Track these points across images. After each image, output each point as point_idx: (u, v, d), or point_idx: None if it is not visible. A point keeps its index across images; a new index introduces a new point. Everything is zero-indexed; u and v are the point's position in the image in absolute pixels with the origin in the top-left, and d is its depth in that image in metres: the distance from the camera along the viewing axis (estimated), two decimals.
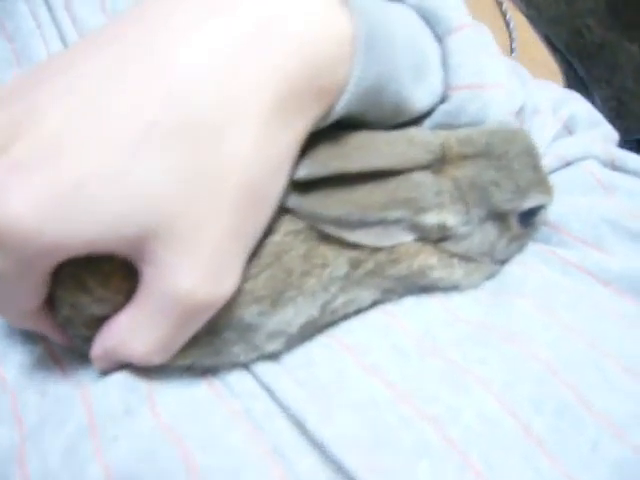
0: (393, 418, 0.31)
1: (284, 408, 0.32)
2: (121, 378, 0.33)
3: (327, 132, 0.35)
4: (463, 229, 0.39)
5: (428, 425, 0.30)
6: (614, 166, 0.47)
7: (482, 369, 0.34)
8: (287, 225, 0.34)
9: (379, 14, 0.33)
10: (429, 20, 0.40)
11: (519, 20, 1.25)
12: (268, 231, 0.33)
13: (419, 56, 0.37)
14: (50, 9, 0.51)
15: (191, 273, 0.27)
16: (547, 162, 0.46)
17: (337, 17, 0.30)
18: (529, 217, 0.41)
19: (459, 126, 0.40)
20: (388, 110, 0.37)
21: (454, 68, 0.39)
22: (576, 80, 1.33)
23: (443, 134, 0.40)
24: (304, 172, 0.33)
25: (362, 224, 0.35)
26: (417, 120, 0.40)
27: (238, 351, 0.34)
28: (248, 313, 0.33)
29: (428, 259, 0.39)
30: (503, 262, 0.43)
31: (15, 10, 0.51)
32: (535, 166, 0.41)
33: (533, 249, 0.43)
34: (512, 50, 1.22)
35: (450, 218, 0.38)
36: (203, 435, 0.30)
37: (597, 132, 0.50)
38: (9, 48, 0.50)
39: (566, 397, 0.32)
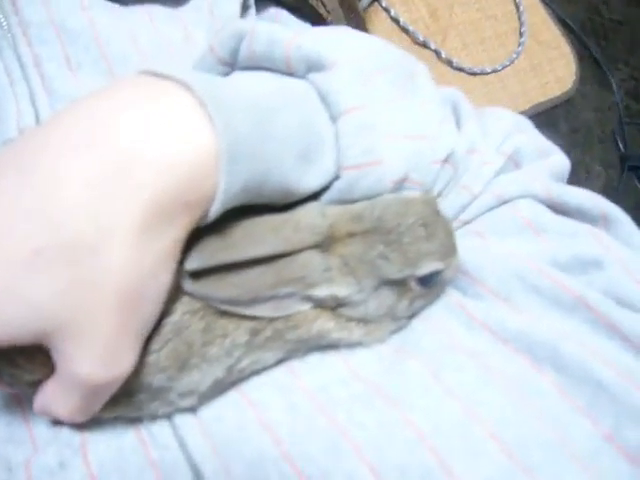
0: (276, 476, 0.35)
1: (189, 460, 0.36)
2: (56, 433, 0.38)
3: (216, 222, 0.37)
4: (357, 296, 0.41)
5: None
6: (553, 203, 0.48)
7: (360, 434, 0.36)
8: (184, 306, 0.37)
9: (250, 117, 0.34)
10: (324, 101, 0.41)
11: (530, 2, 1.23)
12: (166, 312, 0.36)
13: (310, 140, 0.39)
14: (22, 66, 0.53)
15: (86, 361, 0.31)
16: (484, 200, 0.48)
17: (198, 136, 0.32)
18: (430, 280, 0.42)
19: (355, 200, 0.42)
20: (274, 197, 0.39)
21: (343, 150, 0.40)
22: (591, 61, 1.30)
23: (334, 212, 0.41)
24: (193, 264, 0.36)
25: (255, 302, 0.38)
26: (315, 195, 0.42)
27: (155, 407, 0.39)
28: (156, 380, 0.37)
29: (325, 324, 0.41)
30: (411, 317, 0.45)
31: None
32: (430, 235, 0.42)
33: (446, 300, 0.45)
34: (521, 34, 1.20)
35: (341, 290, 0.40)
36: None
37: (543, 165, 0.51)
38: None
39: (430, 463, 0.34)
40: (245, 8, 0.63)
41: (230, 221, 0.37)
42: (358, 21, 0.95)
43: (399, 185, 0.43)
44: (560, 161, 0.52)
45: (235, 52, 0.44)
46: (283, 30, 0.43)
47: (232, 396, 0.39)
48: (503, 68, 1.12)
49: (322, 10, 0.68)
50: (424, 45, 1.09)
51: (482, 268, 0.44)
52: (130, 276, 0.31)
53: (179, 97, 0.32)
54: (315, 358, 0.41)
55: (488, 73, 1.11)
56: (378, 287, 0.41)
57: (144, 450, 0.37)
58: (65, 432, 0.38)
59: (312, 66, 0.41)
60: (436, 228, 0.42)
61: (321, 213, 0.41)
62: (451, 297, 0.44)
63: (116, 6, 0.58)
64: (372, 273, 0.41)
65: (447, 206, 0.48)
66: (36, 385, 0.37)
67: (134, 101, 0.32)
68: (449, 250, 0.43)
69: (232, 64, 0.45)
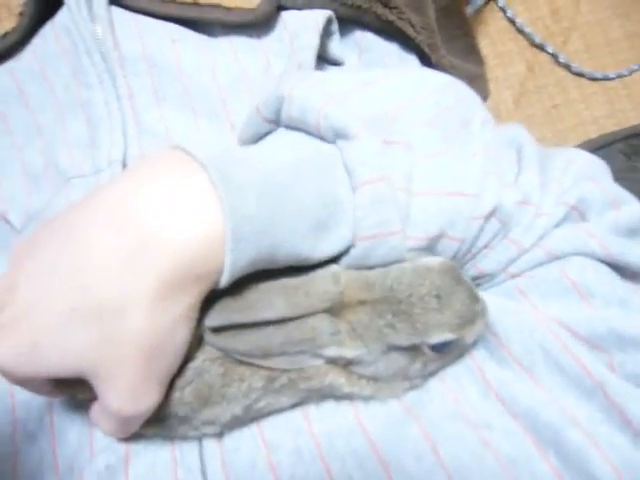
0: None
1: None
2: (109, 442, 0.45)
3: (237, 281, 0.40)
4: (367, 357, 0.42)
5: None
6: (613, 261, 0.46)
7: None
8: (205, 354, 0.42)
9: (261, 196, 0.37)
10: (347, 171, 0.43)
11: None
12: (189, 358, 0.41)
13: (329, 210, 0.41)
14: (118, 98, 0.58)
15: (116, 399, 0.38)
16: (534, 255, 0.47)
17: (208, 217, 0.36)
18: (443, 347, 0.42)
19: (371, 266, 0.43)
20: (288, 263, 0.41)
21: (358, 220, 0.41)
22: None
23: (348, 278, 0.43)
24: (213, 322, 0.40)
25: (268, 356, 0.41)
26: (335, 258, 0.43)
27: (184, 430, 0.44)
28: (181, 410, 0.43)
29: (337, 379, 0.43)
30: (426, 376, 0.45)
31: (91, 99, 0.59)
32: (444, 306, 0.42)
33: (467, 362, 0.45)
34: None
35: (349, 352, 0.42)
36: None
37: (610, 217, 0.48)
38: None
39: None
40: (329, 34, 0.64)
41: (248, 282, 0.41)
42: (461, 24, 0.93)
43: (433, 242, 0.44)
44: (634, 212, 0.49)
45: (278, 112, 0.48)
46: (317, 96, 0.45)
47: (251, 430, 0.44)
48: (630, 73, 1.02)
49: (410, 31, 0.68)
50: (541, 48, 1.03)
51: (510, 332, 0.44)
52: (149, 335, 0.36)
53: (196, 178, 0.37)
54: (329, 406, 0.44)
55: (612, 79, 1.01)
56: (388, 351, 0.42)
57: (173, 468, 0.43)
58: (114, 442, 0.45)
59: (339, 134, 0.43)
60: (451, 299, 0.42)
61: (335, 279, 0.43)
62: (474, 359, 0.45)
63: (203, 37, 0.63)
64: (380, 340, 0.42)
65: (493, 259, 0.48)
66: (90, 401, 0.44)
67: (157, 185, 0.38)
68: (465, 321, 0.43)
69: (276, 122, 0.49)
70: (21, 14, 0.61)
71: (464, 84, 0.56)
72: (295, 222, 0.39)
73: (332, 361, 0.43)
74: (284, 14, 0.65)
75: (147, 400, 0.39)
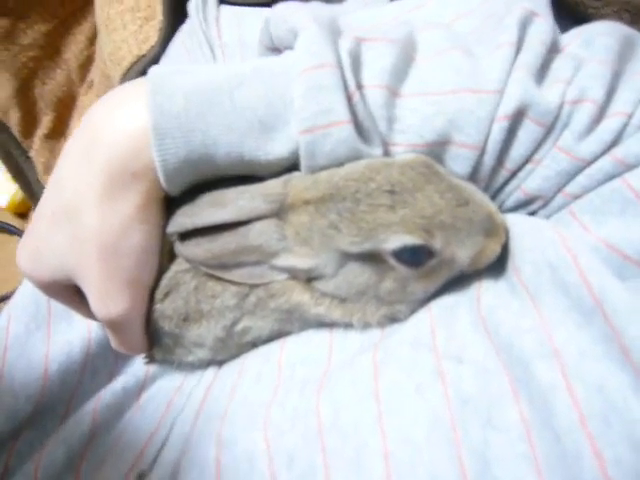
0: (202, 436, 0.40)
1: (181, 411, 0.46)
2: (128, 367, 0.52)
3: (201, 190, 0.42)
4: (325, 270, 0.40)
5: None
6: None
7: (276, 414, 0.37)
8: (177, 265, 0.44)
9: (190, 98, 0.39)
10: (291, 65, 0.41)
11: None
12: (164, 270, 0.44)
13: (271, 109, 0.39)
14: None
15: (92, 301, 0.42)
16: (598, 167, 0.39)
17: (138, 118, 0.39)
18: (411, 257, 0.37)
19: (323, 166, 0.40)
20: (237, 168, 0.41)
21: (296, 113, 0.39)
22: None
23: (299, 180, 0.40)
24: (169, 228, 0.42)
25: (226, 267, 0.41)
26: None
27: (180, 353, 0.46)
28: (167, 325, 0.44)
29: (300, 296, 0.42)
30: (415, 303, 0.41)
31: None
32: (399, 203, 0.36)
33: (470, 293, 0.40)
34: None
35: (301, 261, 0.40)
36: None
37: None
38: None
39: (315, 462, 0.33)
40: None
41: (204, 192, 0.42)
42: None
43: (435, 150, 0.40)
44: None
45: (269, 36, 0.48)
46: (292, 12, 0.44)
47: (237, 361, 0.46)
48: None
49: None
50: None
51: (525, 252, 0.39)
52: (103, 233, 0.40)
53: (139, 89, 0.40)
54: (307, 334, 0.43)
55: None
56: (344, 261, 0.39)
57: (173, 395, 0.47)
58: (135, 366, 0.51)
59: (295, 35, 0.42)
60: (413, 196, 0.37)
61: (285, 182, 0.40)
62: (479, 287, 0.40)
63: None
64: (326, 245, 0.38)
65: (539, 175, 0.41)
66: None
67: (112, 98, 0.42)
68: (435, 224, 0.37)
69: (275, 48, 0.48)
70: (160, 29, 0.76)
71: None
72: (229, 119, 0.39)
73: (293, 275, 0.41)
74: None
75: (117, 302, 0.41)
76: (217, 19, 0.70)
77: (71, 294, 0.45)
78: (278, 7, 0.46)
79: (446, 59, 0.42)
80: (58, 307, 0.51)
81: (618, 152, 0.39)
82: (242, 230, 0.40)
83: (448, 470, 0.30)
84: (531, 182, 0.42)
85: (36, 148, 1.05)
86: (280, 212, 0.40)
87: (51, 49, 1.02)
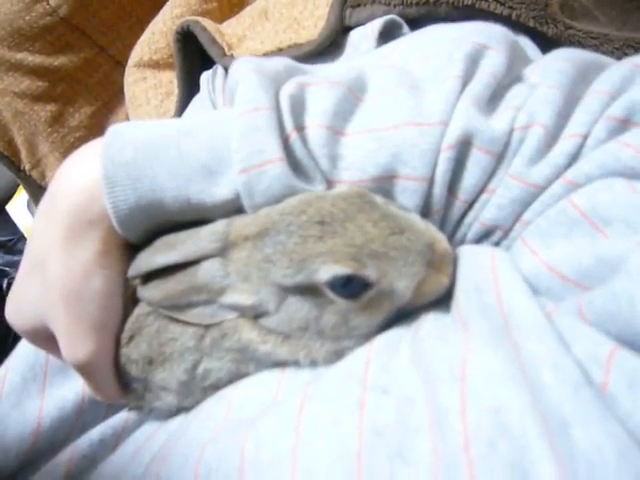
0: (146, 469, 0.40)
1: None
2: (107, 417, 0.52)
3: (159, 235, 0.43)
4: (268, 306, 0.40)
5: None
6: None
7: (213, 452, 0.36)
8: (140, 309, 0.44)
9: (139, 149, 0.41)
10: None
11: None
12: (128, 314, 0.45)
13: (216, 154, 0.41)
14: None
15: (62, 346, 0.43)
16: (552, 192, 0.38)
17: (91, 170, 0.41)
18: (346, 288, 0.37)
19: (262, 205, 0.41)
20: (186, 212, 0.42)
21: (232, 155, 0.40)
22: None
23: (242, 219, 0.41)
24: (129, 272, 0.43)
25: (179, 308, 0.41)
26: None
27: (150, 399, 0.46)
28: (133, 370, 0.45)
29: (249, 333, 0.41)
30: (359, 337, 0.40)
31: None
32: (328, 233, 0.37)
33: (410, 324, 0.39)
34: None
35: (242, 298, 0.40)
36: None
37: None
38: None
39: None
40: (398, 27, 0.64)
41: (160, 237, 0.43)
42: None
43: (380, 184, 0.41)
44: None
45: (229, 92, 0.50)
46: (237, 63, 0.48)
47: (197, 408, 0.45)
48: None
49: (497, 7, 0.60)
50: None
51: (460, 280, 0.38)
52: (65, 280, 0.41)
53: (99, 146, 0.42)
54: (261, 374, 0.43)
55: None
56: (284, 296, 0.39)
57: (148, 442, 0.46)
58: (114, 417, 0.51)
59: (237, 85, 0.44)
60: (344, 226, 0.37)
61: (228, 222, 0.41)
62: (423, 318, 0.39)
63: None
64: (264, 279, 0.39)
65: (494, 205, 0.41)
66: None
67: (75, 157, 0.45)
68: (367, 253, 0.36)
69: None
70: (177, 102, 0.84)
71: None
72: (175, 166, 0.41)
73: (241, 313, 0.41)
74: (352, 33, 0.68)
75: (84, 346, 0.42)
76: (223, 88, 0.74)
77: (51, 341, 0.46)
78: (234, 63, 0.49)
79: (391, 96, 0.43)
80: (55, 360, 0.52)
81: (569, 174, 0.38)
82: (191, 270, 0.41)
83: None
84: (487, 212, 0.41)
85: None
86: (223, 250, 0.40)
87: (97, 128, 1.12)
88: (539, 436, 0.25)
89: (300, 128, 0.42)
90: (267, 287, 0.39)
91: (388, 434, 0.30)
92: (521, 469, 0.25)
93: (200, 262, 0.41)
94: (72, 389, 0.52)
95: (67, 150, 1.10)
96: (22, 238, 1.38)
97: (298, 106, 0.43)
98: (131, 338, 0.45)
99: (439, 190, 0.41)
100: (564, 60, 0.42)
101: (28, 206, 1.35)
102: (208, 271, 0.40)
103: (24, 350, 0.55)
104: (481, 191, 0.41)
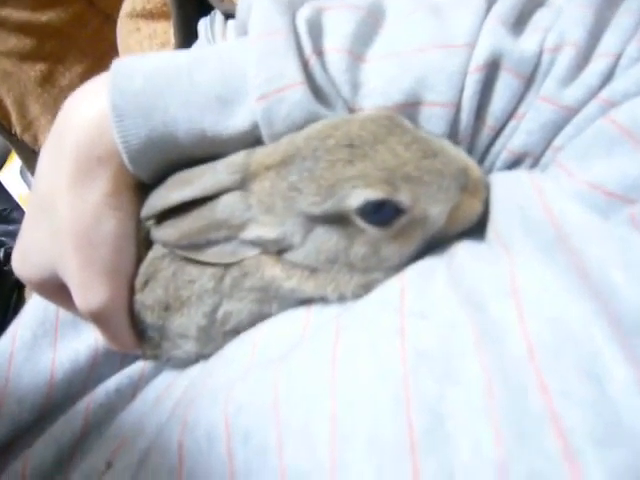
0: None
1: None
2: (123, 366, 0.50)
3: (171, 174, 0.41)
4: (293, 239, 0.38)
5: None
6: None
7: (242, 389, 0.34)
8: (154, 252, 0.42)
9: (148, 79, 0.38)
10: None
11: None
12: (141, 259, 0.42)
13: (229, 84, 0.39)
14: None
15: (74, 294, 0.41)
16: (587, 113, 0.36)
17: (99, 102, 0.39)
18: (377, 214, 0.35)
19: (282, 134, 0.38)
20: (200, 145, 0.40)
21: (249, 81, 0.38)
22: None
23: (262, 149, 0.39)
24: (142, 213, 0.41)
25: (198, 247, 0.39)
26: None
27: (167, 347, 0.44)
28: (149, 317, 0.43)
29: (272, 269, 0.39)
30: (389, 269, 0.38)
31: None
32: (358, 157, 0.34)
33: (449, 251, 0.37)
34: None
35: (265, 231, 0.38)
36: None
37: None
38: None
39: (269, 434, 0.31)
40: None
41: (174, 174, 0.41)
42: None
43: (405, 111, 0.39)
44: None
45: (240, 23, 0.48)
46: None
47: (218, 353, 0.43)
48: None
49: None
50: None
51: (498, 202, 0.36)
52: (74, 222, 0.39)
53: (105, 77, 0.40)
54: (285, 314, 0.42)
55: None
56: (311, 227, 0.37)
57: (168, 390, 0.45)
58: (131, 367, 0.49)
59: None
60: (375, 149, 0.35)
61: (248, 152, 0.39)
62: (456, 245, 0.37)
63: None
64: (289, 209, 0.37)
65: (523, 130, 0.38)
66: None
67: (82, 90, 0.42)
68: (398, 176, 0.34)
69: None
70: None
71: None
72: (188, 96, 0.39)
73: (264, 249, 0.40)
74: None
75: (97, 293, 0.40)
76: (223, 34, 0.71)
77: (62, 292, 0.45)
78: None
79: (412, 19, 0.41)
80: (66, 315, 0.51)
81: (604, 93, 0.36)
82: (209, 205, 0.39)
83: (390, 428, 0.27)
84: (516, 139, 0.39)
85: None
86: (244, 182, 0.38)
87: None
88: (608, 340, 0.24)
89: (319, 52, 0.40)
90: (292, 218, 0.37)
91: (432, 357, 0.28)
92: (594, 373, 0.23)
93: (219, 196, 0.39)
94: (84, 342, 0.51)
95: (59, 111, 1.07)
96: (17, 207, 1.35)
97: (316, 30, 0.40)
98: (146, 283, 0.43)
99: (466, 116, 0.39)
100: None
101: (21, 174, 1.32)
102: (228, 205, 0.38)
103: (33, 307, 0.54)
104: (510, 116, 0.39)
